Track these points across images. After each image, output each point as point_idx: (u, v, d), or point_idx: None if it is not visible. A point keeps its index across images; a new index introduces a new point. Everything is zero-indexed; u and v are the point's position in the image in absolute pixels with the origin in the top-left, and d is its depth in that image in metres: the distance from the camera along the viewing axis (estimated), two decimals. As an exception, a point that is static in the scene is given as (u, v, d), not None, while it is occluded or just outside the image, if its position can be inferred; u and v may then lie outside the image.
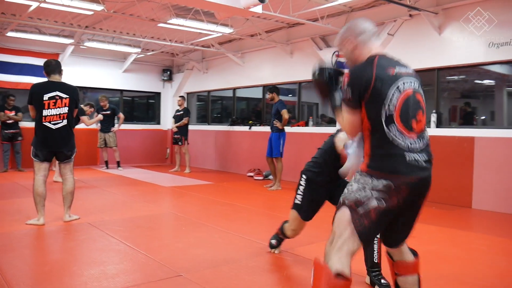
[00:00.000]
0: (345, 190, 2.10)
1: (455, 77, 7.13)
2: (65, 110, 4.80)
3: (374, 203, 1.98)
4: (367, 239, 2.06)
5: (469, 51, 6.28)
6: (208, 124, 11.78)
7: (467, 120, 7.01)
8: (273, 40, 8.96)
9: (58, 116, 4.76)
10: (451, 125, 6.98)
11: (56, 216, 5.04)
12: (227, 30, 8.08)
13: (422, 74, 7.07)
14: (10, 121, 9.60)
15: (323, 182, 3.33)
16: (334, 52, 2.81)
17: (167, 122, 12.49)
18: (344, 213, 2.04)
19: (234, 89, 10.89)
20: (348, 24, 2.29)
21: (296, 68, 9.02)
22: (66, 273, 3.27)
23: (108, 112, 10.27)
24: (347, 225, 2.01)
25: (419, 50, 6.89)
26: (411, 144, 2.00)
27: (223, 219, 5.29)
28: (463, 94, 7.32)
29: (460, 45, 6.41)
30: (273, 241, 3.81)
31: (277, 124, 7.63)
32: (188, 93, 12.46)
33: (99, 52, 10.95)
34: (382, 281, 2.99)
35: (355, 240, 2.00)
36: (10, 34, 8.84)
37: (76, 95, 4.93)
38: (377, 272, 3.05)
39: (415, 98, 2.06)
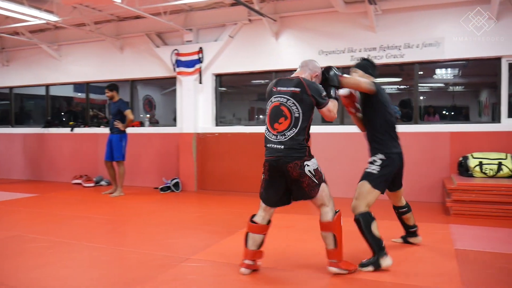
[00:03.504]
0: None
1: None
2: None
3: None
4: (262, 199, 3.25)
5: (303, 56, 7.10)
6: (12, 127, 9.96)
7: None
8: (102, 33, 8.19)
9: None
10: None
11: None
12: (51, 18, 6.98)
13: (261, 75, 7.70)
14: None
15: None
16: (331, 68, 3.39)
17: None
18: None
19: (47, 86, 9.50)
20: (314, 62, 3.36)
21: (127, 65, 8.48)
22: None
23: None
24: None
25: (257, 53, 7.41)
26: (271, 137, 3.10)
27: (93, 234, 4.65)
28: None
29: (293, 51, 7.18)
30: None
31: (119, 125, 7.06)
32: (-22, 89, 10.26)
33: None
34: None
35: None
36: None
37: None
38: None
39: (278, 108, 3.09)
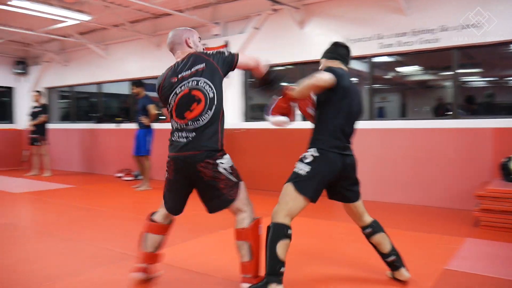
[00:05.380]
0: None
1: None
2: None
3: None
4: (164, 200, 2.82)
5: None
6: (72, 123, 10.71)
7: None
8: (138, 31, 8.41)
9: None
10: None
11: None
12: (83, 17, 7.32)
13: (288, 68, 7.26)
14: None
15: None
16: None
17: (23, 120, 11.06)
18: None
19: (99, 84, 10.05)
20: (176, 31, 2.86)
21: (164, 61, 8.53)
22: None
23: None
24: None
25: (283, 44, 7.00)
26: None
27: (76, 226, 4.71)
28: None
29: (320, 40, 6.64)
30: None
31: (144, 120, 7.16)
32: (48, 88, 11.20)
33: None
34: None
35: None
36: None
37: None
38: None
39: (189, 95, 2.62)
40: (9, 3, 6.44)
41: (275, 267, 2.53)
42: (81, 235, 4.26)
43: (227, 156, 2.66)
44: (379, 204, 5.87)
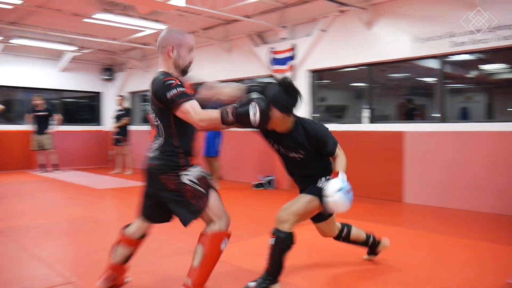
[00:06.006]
0: None
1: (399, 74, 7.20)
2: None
3: None
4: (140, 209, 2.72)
5: (396, 45, 6.38)
6: (152, 124, 11.44)
7: (410, 116, 7.11)
8: (210, 37, 8.80)
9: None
10: (383, 121, 7.04)
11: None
12: (159, 26, 7.83)
13: (355, 70, 7.17)
14: None
15: None
16: None
17: (109, 123, 12.05)
18: None
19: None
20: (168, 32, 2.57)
21: (235, 66, 8.89)
22: None
23: (44, 113, 9.82)
24: None
25: (350, 45, 6.94)
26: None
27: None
28: (404, 90, 7.44)
29: (388, 41, 6.49)
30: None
31: (213, 122, 7.48)
32: (131, 93, 12.10)
33: (31, 50, 10.43)
34: None
35: None
36: None
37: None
38: None
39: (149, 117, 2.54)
40: (93, 16, 7.10)
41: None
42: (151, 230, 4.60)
43: (195, 168, 2.51)
44: (445, 210, 5.62)
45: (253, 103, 2.38)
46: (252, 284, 2.75)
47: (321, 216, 2.95)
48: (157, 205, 2.58)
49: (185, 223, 2.47)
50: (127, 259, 2.76)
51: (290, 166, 2.93)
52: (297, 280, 3.06)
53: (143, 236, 2.77)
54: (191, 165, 2.50)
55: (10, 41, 9.35)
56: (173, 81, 2.33)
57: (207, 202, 2.46)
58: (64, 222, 5.01)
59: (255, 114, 2.37)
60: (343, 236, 3.18)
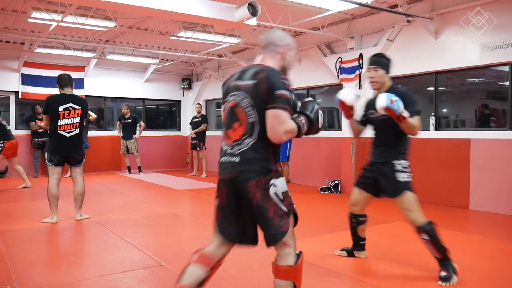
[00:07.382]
0: None
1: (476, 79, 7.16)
2: (78, 120, 5.30)
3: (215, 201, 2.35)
4: (220, 231, 2.34)
5: (463, 54, 6.42)
6: (225, 130, 12.18)
7: (484, 122, 7.06)
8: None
9: (71, 125, 5.25)
10: (449, 128, 7.06)
11: (70, 215, 5.56)
12: (234, 40, 8.48)
13: (421, 78, 7.27)
14: (41, 130, 10.34)
15: None
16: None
17: (187, 128, 13.01)
18: None
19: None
20: (279, 32, 2.45)
21: (304, 74, 9.30)
22: (64, 261, 3.73)
23: (129, 120, 10.91)
24: None
25: (417, 54, 7.06)
26: (227, 149, 2.29)
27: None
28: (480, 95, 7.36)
29: (456, 49, 6.54)
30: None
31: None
32: (206, 101, 12.96)
33: (120, 64, 11.62)
34: None
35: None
36: (38, 50, 9.61)
37: (86, 106, 5.45)
38: None
39: (233, 110, 2.26)
40: (178, 34, 7.92)
41: (445, 252, 3.22)
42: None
43: (282, 179, 2.26)
44: (511, 218, 5.59)
45: (316, 105, 2.31)
46: (443, 274, 3.18)
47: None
48: (242, 221, 2.29)
49: (268, 244, 2.23)
50: (201, 283, 2.30)
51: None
52: (371, 280, 3.40)
53: (221, 260, 2.38)
54: (279, 173, 2.25)
55: (105, 57, 10.54)
56: (289, 83, 2.20)
57: (287, 224, 2.21)
58: (150, 217, 5.72)
59: (322, 116, 2.36)
60: (362, 220, 3.74)
